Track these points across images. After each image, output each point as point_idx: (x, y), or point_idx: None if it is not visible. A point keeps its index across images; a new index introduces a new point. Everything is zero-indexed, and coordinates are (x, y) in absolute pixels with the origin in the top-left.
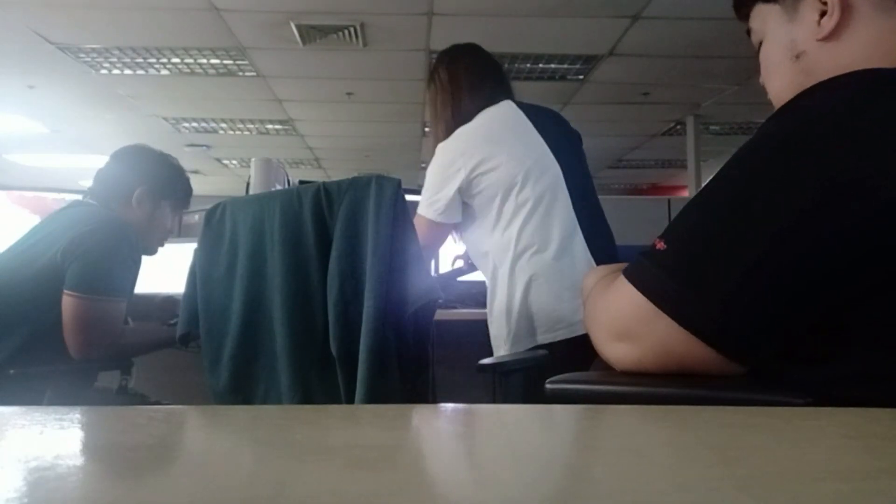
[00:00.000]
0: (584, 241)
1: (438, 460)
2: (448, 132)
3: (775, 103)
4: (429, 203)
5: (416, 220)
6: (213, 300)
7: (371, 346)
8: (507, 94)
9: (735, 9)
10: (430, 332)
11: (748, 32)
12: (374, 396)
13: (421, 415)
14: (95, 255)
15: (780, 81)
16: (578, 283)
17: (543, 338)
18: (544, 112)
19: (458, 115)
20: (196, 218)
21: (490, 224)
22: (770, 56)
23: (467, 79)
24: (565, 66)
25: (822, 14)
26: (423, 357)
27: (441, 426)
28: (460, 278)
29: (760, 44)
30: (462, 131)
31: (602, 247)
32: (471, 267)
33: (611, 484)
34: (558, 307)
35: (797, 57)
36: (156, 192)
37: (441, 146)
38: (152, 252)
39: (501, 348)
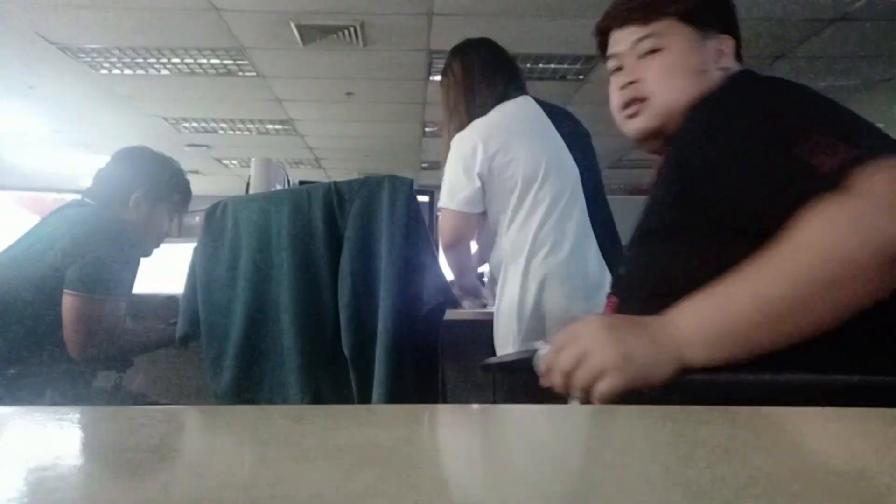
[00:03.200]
0: (596, 243)
1: (441, 460)
2: (461, 127)
3: (660, 102)
4: (451, 194)
5: (441, 216)
6: (214, 300)
7: (389, 347)
8: (521, 90)
9: (635, 10)
10: (439, 332)
11: (644, 37)
12: (392, 397)
13: (423, 415)
14: (96, 254)
15: (681, 85)
16: (590, 285)
17: None
18: (559, 110)
19: (471, 110)
20: (197, 219)
21: (506, 219)
22: (674, 64)
23: (481, 72)
24: (565, 66)
25: (720, 51)
26: (434, 356)
27: (443, 426)
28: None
29: (651, 51)
30: (479, 122)
31: (612, 249)
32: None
33: (611, 484)
34: (572, 308)
35: (702, 72)
36: (153, 195)
37: (458, 137)
38: (147, 253)
39: (508, 346)
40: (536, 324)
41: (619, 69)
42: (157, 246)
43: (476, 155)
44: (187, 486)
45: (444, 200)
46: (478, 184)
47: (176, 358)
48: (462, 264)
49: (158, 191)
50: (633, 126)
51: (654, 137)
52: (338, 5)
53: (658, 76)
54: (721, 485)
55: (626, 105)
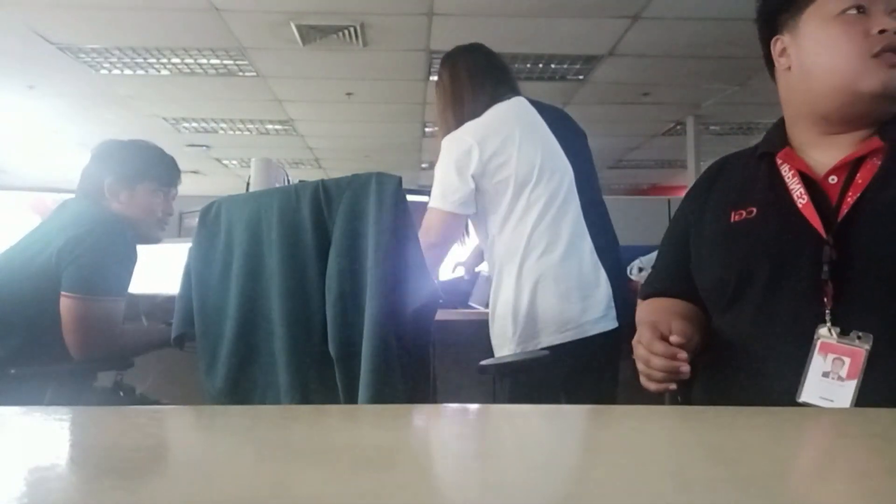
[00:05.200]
0: (591, 243)
1: (438, 460)
2: (455, 121)
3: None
4: (443, 194)
5: (429, 215)
6: (207, 300)
7: (375, 347)
8: (514, 91)
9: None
10: (430, 333)
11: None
12: (377, 398)
13: (421, 415)
14: (91, 256)
15: None
16: (584, 285)
17: (551, 339)
18: (554, 110)
19: (460, 117)
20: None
21: (500, 220)
22: None
23: (469, 79)
24: (565, 66)
25: None
26: (425, 357)
27: (441, 426)
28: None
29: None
30: (473, 124)
31: (607, 248)
32: (472, 276)
33: (611, 484)
34: (567, 308)
35: None
36: (125, 177)
37: (450, 137)
38: (155, 239)
39: (505, 348)
40: (531, 325)
41: (858, 10)
42: (162, 228)
43: (471, 156)
44: (187, 486)
45: (435, 201)
46: (471, 185)
47: (175, 358)
48: (438, 265)
49: (129, 172)
50: None
51: None
52: (338, 5)
53: None
54: (721, 485)
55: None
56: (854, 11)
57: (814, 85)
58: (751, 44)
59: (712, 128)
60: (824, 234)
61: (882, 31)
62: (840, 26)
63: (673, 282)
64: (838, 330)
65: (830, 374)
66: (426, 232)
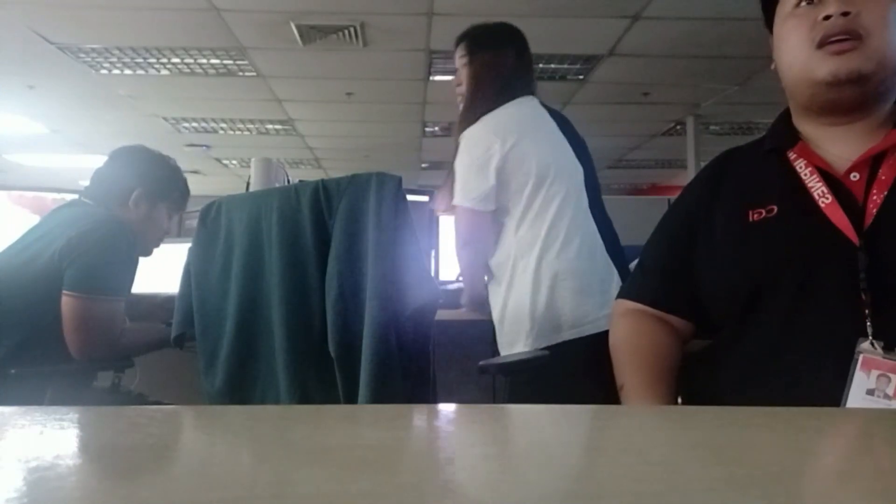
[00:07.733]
0: (602, 242)
1: (438, 460)
2: (476, 118)
3: (879, 46)
4: (465, 191)
5: (457, 214)
6: (207, 300)
7: (375, 347)
8: (532, 88)
9: None
10: (430, 333)
11: None
12: (377, 398)
13: (421, 415)
14: (93, 255)
15: None
16: (601, 279)
17: (569, 333)
18: (558, 114)
19: (497, 93)
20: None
21: (516, 217)
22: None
23: (517, 61)
24: (565, 66)
25: None
26: (424, 357)
27: (441, 426)
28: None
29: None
30: (492, 119)
31: (613, 248)
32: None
33: (611, 484)
34: (584, 303)
35: None
36: (153, 194)
37: (469, 133)
38: (147, 253)
39: (519, 344)
40: (550, 321)
41: (809, 1)
42: (158, 245)
43: (492, 152)
44: (187, 486)
45: (457, 198)
46: (492, 181)
47: (175, 358)
48: (475, 267)
49: (158, 189)
50: (843, 65)
51: (856, 85)
52: (338, 5)
53: (880, 17)
54: (721, 485)
55: (833, 39)
56: (805, 3)
57: (786, 80)
58: (750, 44)
59: (712, 128)
60: (856, 239)
61: (826, 18)
62: (792, 20)
63: (662, 290)
64: (882, 344)
65: (876, 391)
66: (456, 232)
